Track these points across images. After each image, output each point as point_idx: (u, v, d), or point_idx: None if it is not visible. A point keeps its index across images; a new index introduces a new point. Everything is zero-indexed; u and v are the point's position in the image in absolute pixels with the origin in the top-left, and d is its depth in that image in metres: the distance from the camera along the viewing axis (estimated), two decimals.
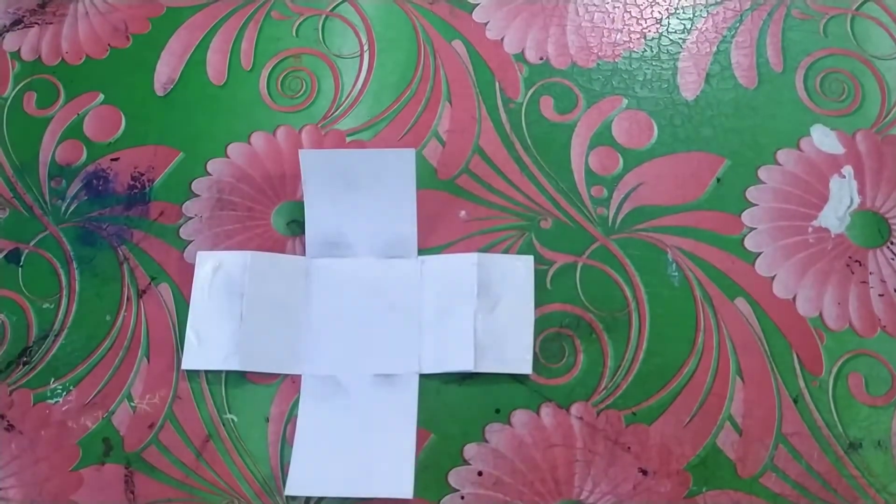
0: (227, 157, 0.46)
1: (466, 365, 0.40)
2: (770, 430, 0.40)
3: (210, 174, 0.46)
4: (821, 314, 0.42)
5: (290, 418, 0.41)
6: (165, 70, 0.48)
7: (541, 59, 0.48)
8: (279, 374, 0.42)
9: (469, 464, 0.40)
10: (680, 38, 0.48)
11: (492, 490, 0.40)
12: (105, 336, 0.43)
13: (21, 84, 0.49)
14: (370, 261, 0.44)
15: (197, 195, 0.45)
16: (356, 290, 0.43)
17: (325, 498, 0.40)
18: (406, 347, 0.42)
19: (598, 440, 0.40)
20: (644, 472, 0.40)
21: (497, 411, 0.41)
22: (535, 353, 0.41)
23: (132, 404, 0.42)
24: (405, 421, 0.40)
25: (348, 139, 0.46)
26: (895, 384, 0.41)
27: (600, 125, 0.46)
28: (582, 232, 0.44)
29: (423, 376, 0.41)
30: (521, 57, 0.48)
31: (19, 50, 0.50)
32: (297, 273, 0.43)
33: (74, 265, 0.44)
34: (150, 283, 0.44)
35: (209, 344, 0.42)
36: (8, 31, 0.50)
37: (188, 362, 0.41)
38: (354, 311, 0.43)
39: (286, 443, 0.41)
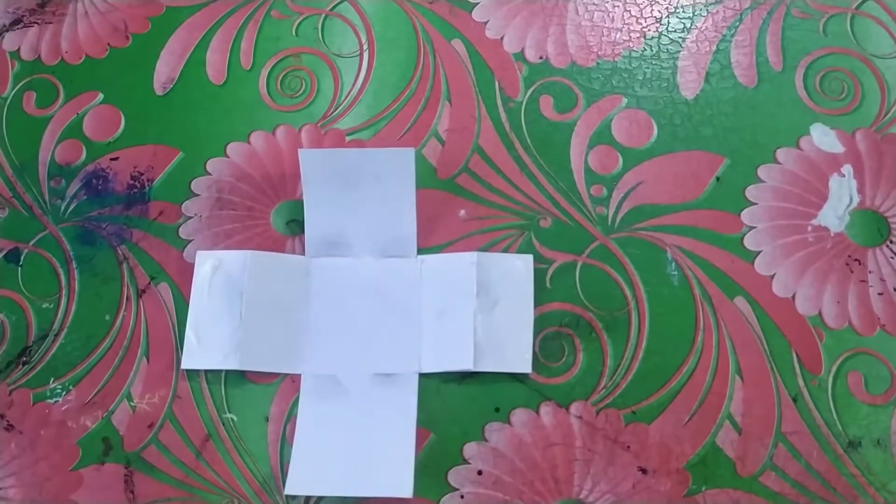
0: (227, 156, 0.46)
1: (466, 364, 0.40)
2: (769, 428, 0.40)
3: (209, 174, 0.46)
4: (820, 313, 0.42)
5: (290, 418, 0.41)
6: (165, 69, 0.48)
7: (540, 58, 0.48)
8: (279, 374, 0.42)
9: (469, 463, 0.40)
10: (680, 37, 0.48)
11: (491, 489, 0.40)
12: (104, 336, 0.43)
13: (20, 84, 0.49)
14: (370, 260, 0.44)
15: (196, 195, 0.45)
16: (356, 289, 0.43)
17: (324, 497, 0.40)
18: (406, 347, 0.42)
19: (597, 439, 0.40)
20: (643, 471, 0.40)
21: (497, 410, 0.41)
22: (534, 353, 0.41)
23: (132, 404, 0.42)
24: (405, 420, 0.40)
25: (348, 138, 0.46)
26: (894, 383, 0.41)
27: (600, 124, 0.46)
28: (581, 231, 0.44)
29: (422, 376, 0.41)
30: (520, 56, 0.48)
31: (19, 49, 0.50)
32: (297, 272, 0.43)
33: (74, 265, 0.44)
34: (149, 283, 0.44)
35: (209, 343, 0.42)
36: (7, 30, 0.50)
37: (188, 362, 0.42)
38: (354, 311, 0.43)
39: (286, 442, 0.41)
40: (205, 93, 0.48)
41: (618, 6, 0.49)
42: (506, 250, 0.43)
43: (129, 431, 0.41)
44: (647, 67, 0.47)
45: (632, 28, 0.49)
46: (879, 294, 0.42)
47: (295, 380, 0.42)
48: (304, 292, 0.43)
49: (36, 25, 0.50)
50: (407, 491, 0.38)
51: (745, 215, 0.44)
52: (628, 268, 0.43)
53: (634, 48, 0.48)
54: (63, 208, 0.46)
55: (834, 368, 0.41)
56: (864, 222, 0.43)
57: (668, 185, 0.45)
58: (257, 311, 0.42)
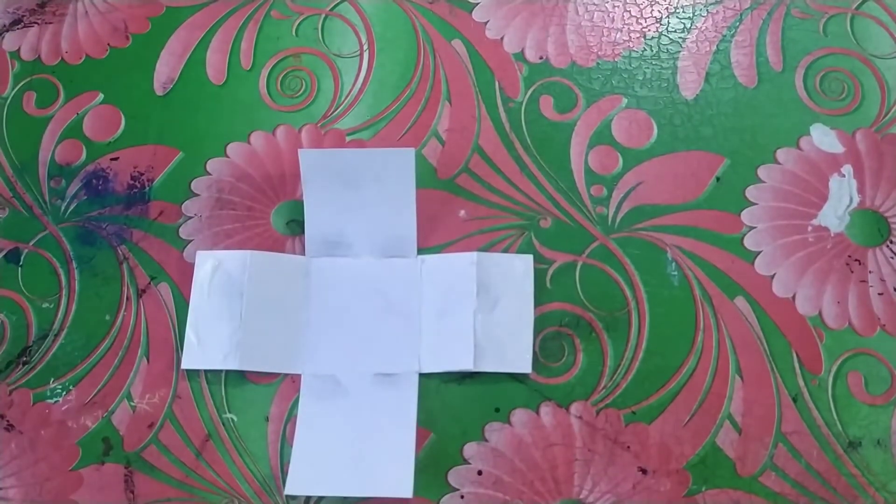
0: (227, 156, 0.46)
1: (466, 364, 0.40)
2: (769, 428, 0.40)
3: (210, 174, 0.46)
4: (820, 313, 0.42)
5: (290, 418, 0.41)
6: (165, 70, 0.48)
7: (540, 58, 0.48)
8: (279, 374, 0.42)
9: (469, 463, 0.40)
10: (680, 38, 0.48)
11: (491, 489, 0.40)
12: (105, 336, 0.43)
13: (21, 84, 0.49)
14: (370, 260, 0.44)
15: (196, 195, 0.45)
16: (356, 289, 0.43)
17: (324, 497, 0.40)
18: (406, 347, 0.42)
19: (597, 439, 0.40)
20: (643, 471, 0.40)
21: (497, 410, 0.41)
22: (534, 353, 0.41)
23: (132, 404, 0.42)
24: (405, 420, 0.40)
25: (348, 138, 0.46)
26: (894, 383, 0.41)
27: (600, 124, 0.46)
28: (581, 231, 0.44)
29: (422, 375, 0.41)
30: (520, 56, 0.48)
31: (19, 49, 0.50)
32: (297, 272, 0.43)
33: (74, 265, 0.44)
34: (149, 283, 0.44)
35: (209, 343, 0.42)
36: (7, 30, 0.50)
37: (188, 362, 0.41)
38: (354, 311, 0.43)
39: (286, 442, 0.41)
40: (205, 93, 0.48)
41: (618, 6, 0.49)
42: (506, 250, 0.43)
43: (129, 431, 0.41)
44: (647, 67, 0.47)
45: (632, 28, 0.49)
46: (879, 294, 0.42)
47: (295, 380, 0.42)
48: (304, 292, 0.43)
49: (36, 25, 0.50)
50: (407, 491, 0.38)
51: (746, 215, 0.44)
52: (628, 268, 0.43)
53: (634, 48, 0.48)
54: (63, 208, 0.46)
55: (834, 368, 0.41)
56: (864, 222, 0.43)
57: (668, 185, 0.45)
58: (257, 311, 0.42)
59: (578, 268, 0.43)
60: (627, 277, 0.43)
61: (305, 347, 0.42)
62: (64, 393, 0.42)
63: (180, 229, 0.45)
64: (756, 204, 0.44)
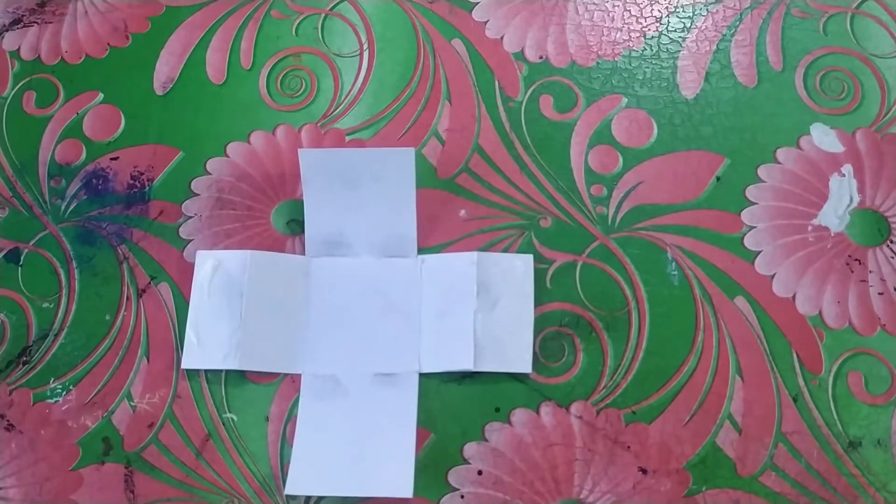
0: (227, 156, 0.46)
1: (466, 364, 0.40)
2: (770, 428, 0.40)
3: (210, 173, 0.46)
4: (820, 313, 0.42)
5: (290, 418, 0.41)
6: (165, 69, 0.48)
7: (540, 57, 0.48)
8: (279, 374, 0.42)
9: (469, 463, 0.40)
10: (680, 37, 0.48)
11: (492, 489, 0.40)
12: (105, 335, 0.43)
13: (20, 83, 0.49)
14: (370, 260, 0.44)
15: (196, 194, 0.45)
16: (356, 289, 0.43)
17: (324, 497, 0.40)
18: (406, 346, 0.42)
19: (597, 439, 0.40)
20: (644, 471, 0.40)
21: (497, 410, 0.41)
22: (534, 352, 0.41)
23: (132, 404, 0.42)
24: (405, 420, 0.40)
25: (348, 138, 0.46)
26: (895, 383, 0.41)
27: (600, 124, 0.46)
28: (581, 231, 0.44)
29: (422, 375, 0.41)
30: (520, 56, 0.48)
31: (19, 49, 0.50)
32: (297, 272, 0.43)
33: (74, 264, 0.44)
34: (149, 283, 0.44)
35: (209, 343, 0.41)
36: (7, 30, 0.50)
37: (188, 362, 0.41)
38: (354, 311, 0.43)
39: (286, 442, 0.41)
40: (205, 92, 0.48)
41: (618, 6, 0.49)
42: (506, 250, 0.43)
43: (129, 431, 0.41)
44: (647, 67, 0.47)
45: (632, 28, 0.49)
46: (880, 294, 0.42)
47: (295, 380, 0.42)
48: (304, 292, 0.43)
49: (36, 25, 0.50)
50: (407, 491, 0.38)
51: (746, 215, 0.44)
52: (628, 268, 0.43)
53: (634, 48, 0.48)
54: (63, 208, 0.46)
55: (834, 368, 0.41)
56: (864, 222, 0.43)
57: (669, 184, 0.45)
58: (257, 311, 0.42)
59: (578, 267, 0.43)
60: (627, 277, 0.43)
61: (305, 347, 0.42)
62: (64, 393, 0.42)
63: (180, 229, 0.45)
64: (756, 203, 0.44)
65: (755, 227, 0.44)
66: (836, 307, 0.42)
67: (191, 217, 0.45)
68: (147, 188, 0.46)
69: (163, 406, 0.42)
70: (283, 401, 0.41)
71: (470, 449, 0.40)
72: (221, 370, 0.42)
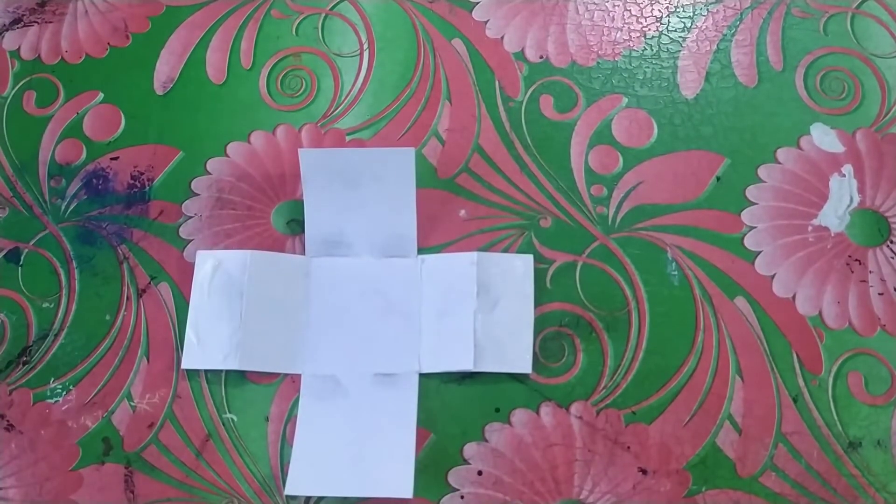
0: (227, 156, 0.46)
1: (466, 364, 0.40)
2: (770, 429, 0.40)
3: (210, 173, 0.46)
4: (820, 313, 0.42)
5: (290, 418, 0.41)
6: (165, 69, 0.48)
7: (541, 57, 0.48)
8: (279, 374, 0.42)
9: (469, 463, 0.40)
10: (680, 37, 0.48)
11: (492, 489, 0.40)
12: (105, 335, 0.43)
13: (21, 83, 0.49)
14: (370, 260, 0.44)
15: (196, 194, 0.45)
16: (356, 289, 0.43)
17: (324, 497, 0.40)
18: (406, 347, 0.42)
19: (597, 439, 0.40)
20: (644, 472, 0.40)
21: (497, 411, 0.41)
22: (534, 353, 0.41)
23: (132, 404, 0.42)
24: (405, 420, 0.40)
25: (348, 138, 0.46)
26: (895, 383, 0.41)
27: (600, 124, 0.46)
28: (582, 231, 0.44)
29: (422, 376, 0.41)
30: (520, 55, 0.48)
31: (19, 49, 0.50)
32: (297, 272, 0.43)
33: (74, 264, 0.44)
34: (149, 283, 0.44)
35: (209, 343, 0.42)
36: (7, 29, 0.50)
37: (188, 362, 0.42)
38: (354, 311, 0.43)
39: (286, 442, 0.41)
40: (205, 92, 0.48)
41: (618, 6, 0.49)
42: (506, 250, 0.43)
43: (129, 431, 0.41)
44: (648, 67, 0.47)
45: (632, 27, 0.49)
46: (880, 294, 0.42)
47: (295, 380, 0.42)
48: (304, 292, 0.43)
49: (36, 25, 0.50)
50: (407, 491, 0.38)
51: (746, 215, 0.44)
52: (628, 268, 0.43)
53: (635, 48, 0.48)
54: (63, 208, 0.46)
55: (834, 369, 0.41)
56: (864, 222, 0.43)
57: (669, 184, 0.45)
58: (257, 311, 0.42)
59: (578, 268, 0.43)
60: (627, 277, 0.43)
61: (305, 347, 0.42)
62: (64, 393, 0.42)
63: (180, 229, 0.45)
64: (756, 204, 0.44)
65: (755, 227, 0.44)
66: (836, 307, 0.42)
67: (191, 217, 0.45)
68: (147, 188, 0.46)
69: (163, 406, 0.42)
70: (283, 401, 0.42)
71: (470, 449, 0.40)
72: (221, 370, 0.42)
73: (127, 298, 0.44)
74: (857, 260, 0.43)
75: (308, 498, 0.40)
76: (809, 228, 0.43)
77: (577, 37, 0.48)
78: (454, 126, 0.46)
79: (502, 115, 0.46)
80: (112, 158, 0.46)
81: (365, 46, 0.49)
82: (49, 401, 0.42)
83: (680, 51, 0.48)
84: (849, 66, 0.47)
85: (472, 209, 0.45)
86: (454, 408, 0.41)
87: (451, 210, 0.45)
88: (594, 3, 0.49)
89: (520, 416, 0.41)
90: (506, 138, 0.46)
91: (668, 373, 0.41)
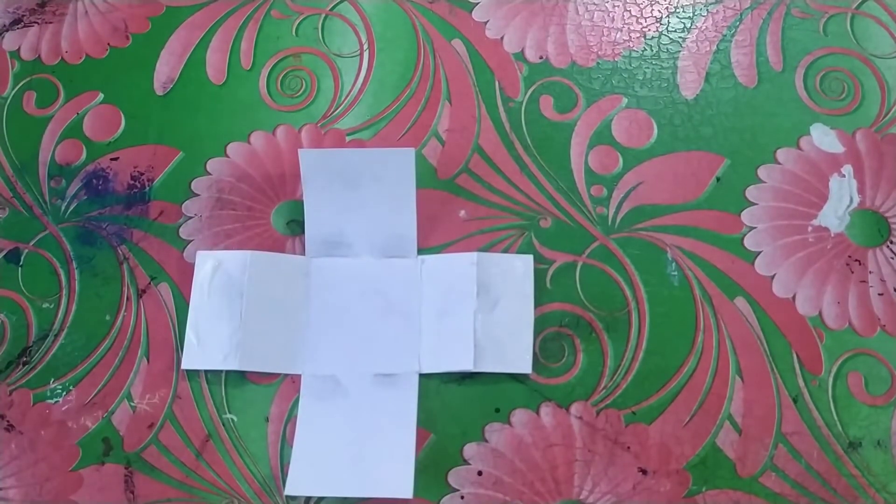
0: (227, 156, 0.46)
1: (466, 364, 0.40)
2: (770, 429, 0.40)
3: (210, 174, 0.46)
4: (820, 313, 0.42)
5: (290, 418, 0.41)
6: (165, 69, 0.48)
7: (540, 58, 0.48)
8: (279, 374, 0.42)
9: (469, 463, 0.40)
10: (680, 37, 0.48)
11: (492, 490, 0.40)
12: (105, 336, 0.43)
13: (21, 83, 0.49)
14: (370, 260, 0.44)
15: (197, 195, 0.45)
16: (356, 289, 0.43)
17: (324, 498, 0.40)
18: (406, 347, 0.42)
19: (597, 440, 0.40)
20: (644, 472, 0.40)
21: (497, 411, 0.41)
22: (534, 353, 0.41)
23: (132, 404, 0.42)
24: (405, 421, 0.40)
25: (348, 138, 0.46)
26: (895, 383, 0.41)
27: (600, 124, 0.46)
28: (581, 231, 0.44)
29: (422, 376, 0.41)
30: (520, 56, 0.48)
31: (19, 49, 0.50)
32: (297, 273, 0.43)
33: (74, 265, 0.44)
34: (149, 283, 0.44)
35: (209, 344, 0.42)
36: (7, 30, 0.50)
37: (188, 362, 0.41)
38: (354, 311, 0.43)
39: (286, 443, 0.41)
40: (205, 93, 0.48)
41: (618, 6, 0.49)
42: (506, 250, 0.43)
43: (129, 432, 0.41)
44: (647, 67, 0.47)
45: (632, 28, 0.49)
46: (880, 294, 0.42)
47: (295, 380, 0.42)
48: (304, 292, 0.43)
49: (36, 25, 0.50)
50: (407, 491, 0.38)
51: (746, 215, 0.44)
52: (628, 268, 0.43)
53: (634, 48, 0.48)
54: (63, 208, 0.46)
55: (834, 369, 0.41)
56: (864, 223, 0.43)
57: (669, 185, 0.45)
58: (257, 312, 0.42)
59: (578, 268, 0.43)
60: (627, 277, 0.43)
61: (305, 347, 0.42)
62: (64, 393, 0.42)
63: (180, 229, 0.45)
64: (756, 204, 0.44)
65: (755, 227, 0.44)
66: (836, 308, 0.42)
67: (191, 217, 0.45)
68: (147, 188, 0.46)
69: (163, 406, 0.42)
70: (283, 401, 0.42)
71: (470, 449, 0.40)
72: (221, 371, 0.42)
73: (127, 299, 0.44)
74: (857, 260, 0.43)
75: (308, 498, 0.40)
76: (809, 229, 0.43)
77: (577, 37, 0.48)
78: (454, 126, 0.46)
79: (502, 116, 0.46)
80: (112, 159, 0.46)
81: (365, 47, 0.49)
82: (49, 401, 0.42)
83: (680, 51, 0.48)
84: (848, 67, 0.47)
85: (472, 209, 0.45)
86: (454, 408, 0.41)
87: (451, 210, 0.45)
88: (594, 4, 0.49)
89: (520, 416, 0.41)
90: (506, 139, 0.46)
91: (668, 373, 0.41)
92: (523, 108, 0.47)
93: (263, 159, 0.46)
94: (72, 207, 0.46)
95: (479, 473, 0.40)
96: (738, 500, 0.39)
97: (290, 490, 0.38)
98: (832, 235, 0.43)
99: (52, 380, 0.42)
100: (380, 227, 0.43)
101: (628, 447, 0.40)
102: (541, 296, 0.42)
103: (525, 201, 0.45)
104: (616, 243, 0.44)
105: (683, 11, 0.49)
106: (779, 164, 0.45)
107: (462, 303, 0.42)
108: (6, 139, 0.47)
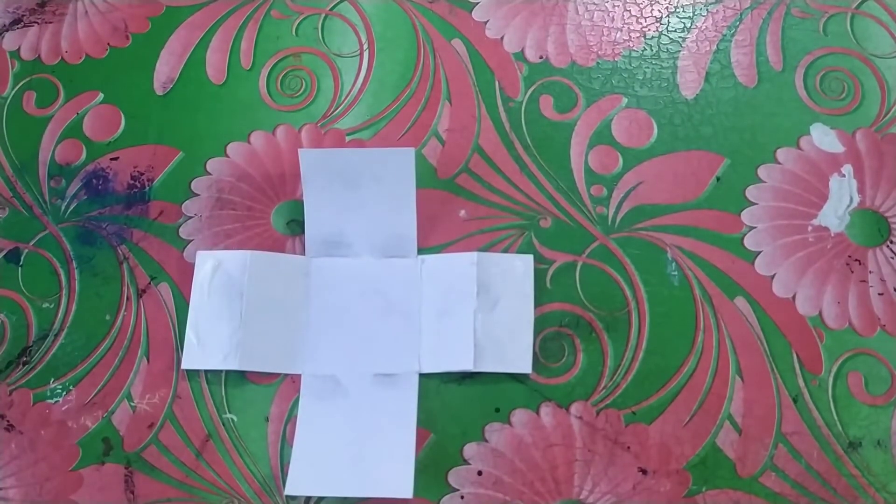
0: (227, 156, 0.46)
1: (466, 364, 0.40)
2: (770, 429, 0.40)
3: (210, 173, 0.46)
4: (820, 313, 0.42)
5: (290, 418, 0.41)
6: (165, 69, 0.48)
7: (540, 57, 0.48)
8: (279, 374, 0.42)
9: (469, 463, 0.40)
10: (680, 37, 0.48)
11: (492, 490, 0.40)
12: (105, 336, 0.43)
13: (20, 83, 0.49)
14: (370, 260, 0.44)
15: (196, 194, 0.45)
16: (356, 289, 0.43)
17: (324, 498, 0.40)
18: (406, 347, 0.42)
19: (597, 440, 0.40)
20: (644, 472, 0.40)
21: (497, 411, 0.41)
22: (534, 353, 0.41)
23: (132, 404, 0.42)
24: (405, 420, 0.40)
25: (348, 138, 0.46)
26: (895, 383, 0.41)
27: (600, 124, 0.46)
28: (581, 231, 0.44)
29: (422, 376, 0.41)
30: (520, 56, 0.48)
31: (19, 49, 0.50)
32: (297, 272, 0.43)
33: (74, 265, 0.44)
34: (149, 283, 0.44)
35: (209, 343, 0.42)
36: (7, 30, 0.50)
37: (188, 362, 0.42)
38: (354, 311, 0.43)
39: (286, 443, 0.41)
40: (205, 93, 0.48)
41: (618, 6, 0.49)
42: (506, 250, 0.43)
43: (129, 431, 0.41)
44: (647, 67, 0.47)
45: (632, 28, 0.49)
46: (880, 294, 0.42)
47: (295, 380, 0.42)
48: (304, 292, 0.43)
49: (36, 25, 0.50)
50: (407, 491, 0.38)
51: (746, 215, 0.44)
52: (628, 268, 0.43)
53: (634, 48, 0.48)
54: (63, 208, 0.46)
55: (834, 369, 0.41)
56: (864, 222, 0.43)
57: (669, 185, 0.45)
58: (257, 312, 0.42)
59: (578, 268, 0.43)
60: (627, 277, 0.43)
61: (305, 347, 0.42)
62: (64, 393, 0.42)
63: (180, 229, 0.45)
64: (756, 204, 0.44)
65: (755, 227, 0.44)
66: (836, 307, 0.42)
67: (191, 217, 0.45)
68: (147, 188, 0.46)
69: (163, 406, 0.42)
70: (283, 401, 0.42)
71: (470, 449, 0.40)
72: (221, 370, 0.42)
73: (127, 299, 0.44)
74: (857, 260, 0.43)
75: (308, 498, 0.40)
76: (809, 228, 0.43)
77: (577, 37, 0.48)
78: (454, 126, 0.46)
79: (502, 116, 0.46)
80: (112, 159, 0.46)
81: (365, 47, 0.49)
82: (49, 401, 0.42)
83: (680, 51, 0.48)
84: (848, 67, 0.47)
85: (472, 209, 0.45)
86: (454, 408, 0.41)
87: (451, 210, 0.45)
88: (594, 4, 0.49)
89: (520, 416, 0.41)
90: (506, 138, 0.46)
91: (668, 373, 0.41)
92: (523, 108, 0.47)
93: (263, 159, 0.46)
94: (72, 207, 0.46)
95: (479, 473, 0.40)
96: (738, 500, 0.39)
97: (290, 490, 0.38)
98: (832, 235, 0.43)
99: (52, 380, 0.42)
100: (380, 227, 0.43)
101: (628, 447, 0.40)
102: (541, 296, 0.42)
103: (525, 201, 0.45)
104: (616, 243, 0.44)
105: (683, 11, 0.49)
106: (779, 163, 0.45)
107: (462, 303, 0.42)
108: (6, 139, 0.47)
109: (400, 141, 0.46)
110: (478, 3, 0.49)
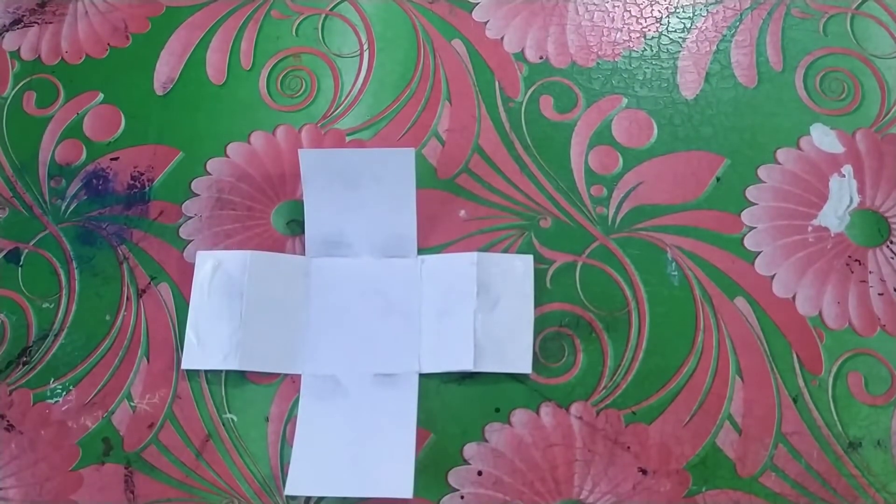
0: (227, 156, 0.46)
1: (466, 364, 0.40)
2: (770, 429, 0.40)
3: (210, 174, 0.46)
4: (820, 313, 0.42)
5: (290, 418, 0.41)
6: (165, 69, 0.48)
7: (540, 58, 0.48)
8: (279, 374, 0.42)
9: (469, 463, 0.40)
10: (680, 38, 0.48)
11: (492, 490, 0.40)
12: (105, 336, 0.43)
13: (21, 84, 0.49)
14: (370, 260, 0.44)
15: (196, 195, 0.45)
16: (356, 289, 0.43)
17: (324, 498, 0.40)
18: (406, 347, 0.42)
19: (597, 440, 0.40)
20: (644, 472, 0.40)
21: (497, 411, 0.41)
22: (534, 353, 0.41)
23: (132, 404, 0.42)
24: (405, 420, 0.40)
25: (348, 138, 0.46)
26: (895, 383, 0.41)
27: (600, 124, 0.46)
28: (581, 231, 0.44)
29: (422, 376, 0.41)
30: (520, 56, 0.48)
31: (19, 49, 0.50)
32: (297, 272, 0.43)
33: (74, 265, 0.44)
34: (149, 283, 0.44)
35: (209, 343, 0.42)
36: (7, 30, 0.50)
37: (188, 362, 0.41)
38: (354, 311, 0.43)
39: (286, 443, 0.41)
40: (205, 93, 0.48)
41: (618, 6, 0.49)
42: (506, 250, 0.43)
43: (129, 431, 0.41)
44: (647, 67, 0.47)
45: (632, 28, 0.49)
46: (880, 294, 0.42)
47: (295, 380, 0.42)
48: (304, 292, 0.43)
49: (36, 25, 0.50)
50: (407, 491, 0.38)
51: (746, 215, 0.44)
52: (628, 268, 0.43)
53: (634, 48, 0.48)
54: (63, 208, 0.46)
55: (834, 369, 0.41)
56: (864, 223, 0.43)
57: (669, 185, 0.45)
58: (257, 312, 0.42)
59: (578, 268, 0.43)
60: (627, 277, 0.43)
61: (305, 347, 0.42)
62: (64, 393, 0.42)
63: (180, 229, 0.45)
64: (756, 204, 0.44)
65: (755, 227, 0.44)
66: (836, 308, 0.42)
67: (191, 217, 0.45)
68: (147, 188, 0.46)
69: (163, 406, 0.42)
70: (283, 401, 0.42)
71: (470, 449, 0.40)
72: (221, 370, 0.42)
73: (127, 299, 0.44)
74: (857, 260, 0.43)
75: (308, 498, 0.40)
76: (809, 229, 0.43)
77: (577, 37, 0.48)
78: (454, 126, 0.46)
79: (502, 116, 0.47)
80: (112, 159, 0.46)
81: (365, 47, 0.49)
82: (49, 401, 0.42)
83: (680, 51, 0.48)
84: (848, 67, 0.47)
85: (472, 209, 0.45)
86: (454, 408, 0.41)
87: (451, 210, 0.45)
88: (594, 4, 0.49)
89: (520, 416, 0.41)
90: (506, 139, 0.46)
91: (668, 373, 0.41)
92: (523, 108, 0.47)
93: (263, 159, 0.46)
94: (72, 207, 0.46)
95: (479, 473, 0.40)
96: (738, 500, 0.39)
97: (290, 490, 0.38)
98: (832, 235, 0.43)
99: (52, 380, 0.42)
100: (380, 227, 0.43)
101: (628, 447, 0.40)
102: (541, 296, 0.42)
103: (525, 201, 0.45)
104: (616, 243, 0.44)
105: (683, 11, 0.49)
106: (779, 164, 0.45)
107: (462, 303, 0.42)
108: (6, 139, 0.47)
109: (400, 141, 0.46)
110: (478, 4, 0.49)
